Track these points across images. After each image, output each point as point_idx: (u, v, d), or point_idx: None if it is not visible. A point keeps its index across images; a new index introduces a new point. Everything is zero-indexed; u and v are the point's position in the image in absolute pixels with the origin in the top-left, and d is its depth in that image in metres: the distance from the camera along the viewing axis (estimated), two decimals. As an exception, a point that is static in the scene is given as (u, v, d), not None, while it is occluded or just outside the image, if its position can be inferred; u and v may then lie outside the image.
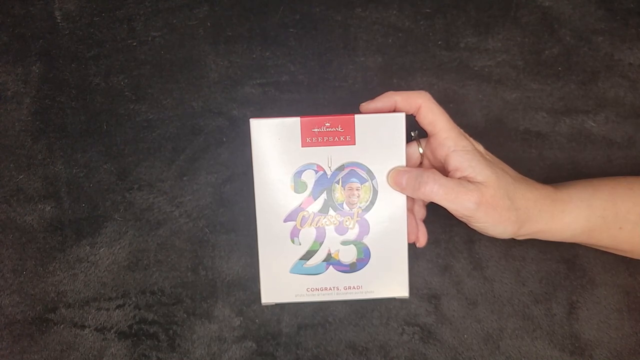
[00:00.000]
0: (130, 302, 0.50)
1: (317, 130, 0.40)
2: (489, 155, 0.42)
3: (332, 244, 0.41)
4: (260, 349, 0.49)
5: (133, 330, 0.50)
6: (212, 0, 0.53)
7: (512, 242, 0.50)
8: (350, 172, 0.40)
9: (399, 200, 0.40)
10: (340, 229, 0.41)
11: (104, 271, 0.50)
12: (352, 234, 0.40)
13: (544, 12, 0.52)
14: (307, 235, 0.40)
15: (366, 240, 0.40)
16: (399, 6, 0.52)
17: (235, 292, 0.50)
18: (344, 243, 0.40)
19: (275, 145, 0.40)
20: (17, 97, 0.52)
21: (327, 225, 0.40)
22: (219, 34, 0.52)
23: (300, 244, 0.40)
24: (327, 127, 0.40)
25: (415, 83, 0.51)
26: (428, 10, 0.52)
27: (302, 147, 0.40)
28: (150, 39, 0.52)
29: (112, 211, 0.51)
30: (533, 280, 0.50)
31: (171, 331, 0.49)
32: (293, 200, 0.40)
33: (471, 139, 0.41)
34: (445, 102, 0.51)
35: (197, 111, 0.51)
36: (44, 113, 0.52)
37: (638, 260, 0.49)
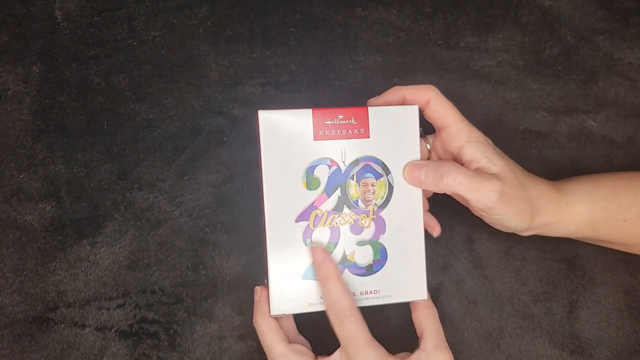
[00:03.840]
0: (131, 302, 0.50)
1: (330, 122, 0.37)
2: (496, 148, 0.42)
3: (347, 244, 0.38)
4: (260, 348, 0.49)
5: (133, 330, 0.50)
6: (212, 0, 0.53)
7: (512, 242, 0.50)
8: (365, 167, 0.38)
9: (415, 196, 0.38)
10: (356, 228, 0.38)
11: (105, 270, 0.50)
12: (368, 233, 0.38)
13: (544, 12, 0.52)
14: (321, 236, 0.38)
15: (383, 240, 0.38)
16: (399, 6, 0.52)
17: (235, 291, 0.50)
18: (360, 243, 0.38)
19: (286, 139, 0.37)
20: (18, 96, 0.52)
21: (341, 224, 0.38)
22: (219, 33, 0.52)
23: None
24: (341, 120, 0.38)
25: (415, 83, 0.51)
26: (428, 10, 0.52)
27: (314, 140, 0.37)
28: (150, 38, 0.52)
29: (113, 211, 0.51)
30: (533, 279, 0.50)
31: (172, 330, 0.50)
32: (305, 198, 0.37)
33: (480, 131, 0.40)
34: (446, 101, 0.51)
35: (197, 111, 0.52)
36: (45, 113, 0.52)
37: (638, 260, 0.49)
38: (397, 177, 0.38)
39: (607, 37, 0.52)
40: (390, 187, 0.38)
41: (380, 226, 0.38)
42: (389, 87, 0.51)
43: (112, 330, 0.50)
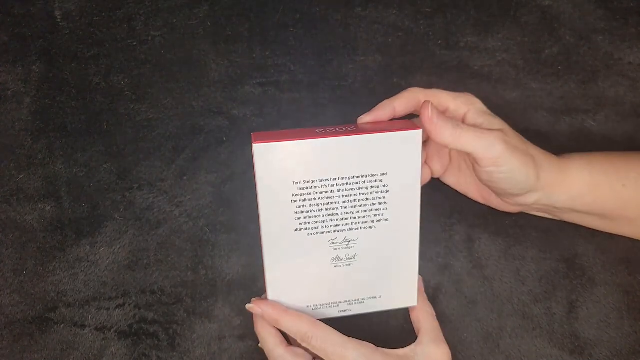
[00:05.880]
0: (131, 302, 0.50)
1: None
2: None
3: None
4: (261, 348, 0.49)
5: (133, 330, 0.50)
6: (212, 0, 0.53)
7: (511, 242, 0.50)
8: None
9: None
10: None
11: (104, 271, 0.50)
12: None
13: (544, 12, 0.52)
14: None
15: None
16: (399, 6, 0.52)
17: (235, 291, 0.50)
18: None
19: None
20: (17, 96, 0.52)
21: None
22: (219, 33, 0.52)
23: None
24: None
25: (415, 83, 0.51)
26: (428, 10, 0.52)
27: None
28: (150, 38, 0.52)
29: (112, 211, 0.51)
30: (533, 279, 0.50)
31: (171, 330, 0.50)
32: None
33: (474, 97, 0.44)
34: (445, 101, 0.51)
35: (197, 111, 0.51)
36: (44, 113, 0.52)
37: (638, 260, 0.49)
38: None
39: (607, 37, 0.51)
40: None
41: None
42: (389, 87, 0.51)
43: (112, 330, 0.50)
